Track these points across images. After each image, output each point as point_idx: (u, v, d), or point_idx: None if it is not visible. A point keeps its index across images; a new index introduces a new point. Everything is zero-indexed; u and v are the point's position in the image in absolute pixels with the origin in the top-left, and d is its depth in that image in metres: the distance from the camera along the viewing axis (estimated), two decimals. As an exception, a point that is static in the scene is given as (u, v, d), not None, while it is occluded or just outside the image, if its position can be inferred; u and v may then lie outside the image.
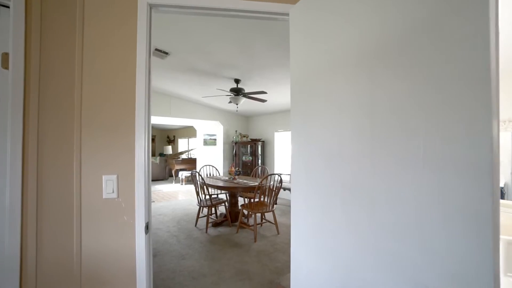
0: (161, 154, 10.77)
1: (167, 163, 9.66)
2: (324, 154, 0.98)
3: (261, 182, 3.55)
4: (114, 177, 1.14)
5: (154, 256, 2.97)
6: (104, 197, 1.13)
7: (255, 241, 3.43)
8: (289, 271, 2.61)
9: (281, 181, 3.67)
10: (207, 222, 3.85)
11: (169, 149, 10.90)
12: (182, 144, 11.44)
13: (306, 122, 1.08)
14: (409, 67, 0.69)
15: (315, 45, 1.04)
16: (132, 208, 1.15)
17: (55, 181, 1.07)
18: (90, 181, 1.12)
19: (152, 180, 9.20)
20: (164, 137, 12.25)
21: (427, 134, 0.64)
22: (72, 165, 1.09)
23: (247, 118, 7.83)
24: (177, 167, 8.95)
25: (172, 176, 9.52)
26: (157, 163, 9.38)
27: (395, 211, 0.72)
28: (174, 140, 11.88)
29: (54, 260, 1.07)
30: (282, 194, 6.02)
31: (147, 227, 1.18)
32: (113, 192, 1.14)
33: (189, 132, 10.29)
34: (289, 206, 5.57)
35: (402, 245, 0.70)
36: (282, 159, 6.71)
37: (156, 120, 6.68)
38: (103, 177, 1.13)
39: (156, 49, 3.37)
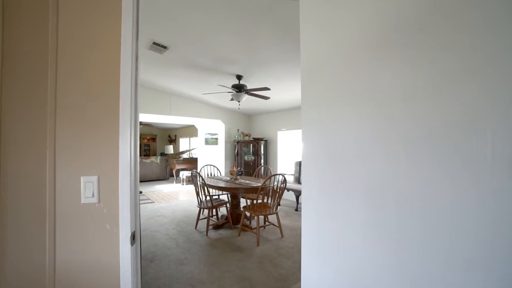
0: (162, 154, 10.65)
1: (168, 162, 9.51)
2: (334, 150, 0.81)
3: (264, 182, 3.38)
4: (95, 178, 0.97)
5: (151, 261, 2.80)
6: (82, 202, 0.96)
7: (257, 245, 3.26)
8: (294, 280, 2.45)
9: (285, 181, 3.49)
10: (208, 224, 3.69)
11: (170, 149, 10.78)
12: (184, 143, 11.30)
13: (318, 114, 0.91)
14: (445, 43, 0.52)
15: (331, 25, 0.87)
16: (116, 214, 0.99)
17: (23, 182, 0.90)
18: (66, 183, 0.95)
19: (153, 180, 9.05)
20: (165, 137, 12.13)
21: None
22: (44, 165, 0.93)
23: (249, 116, 7.66)
24: (178, 167, 8.80)
25: (173, 176, 9.38)
26: (158, 162, 9.24)
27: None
28: (175, 139, 11.75)
29: (22, 276, 0.90)
30: (285, 195, 5.85)
31: (133, 237, 1.01)
32: (93, 196, 0.97)
33: (190, 131, 10.14)
34: (293, 207, 5.40)
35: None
36: (286, 158, 6.53)
37: (156, 119, 6.54)
38: (82, 178, 0.96)
39: (154, 43, 3.21)
